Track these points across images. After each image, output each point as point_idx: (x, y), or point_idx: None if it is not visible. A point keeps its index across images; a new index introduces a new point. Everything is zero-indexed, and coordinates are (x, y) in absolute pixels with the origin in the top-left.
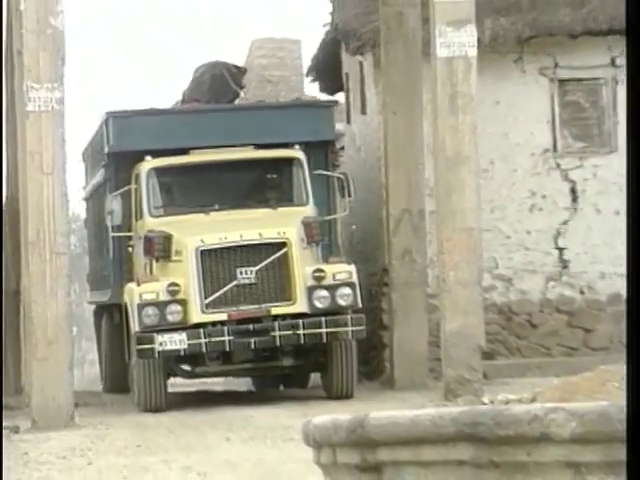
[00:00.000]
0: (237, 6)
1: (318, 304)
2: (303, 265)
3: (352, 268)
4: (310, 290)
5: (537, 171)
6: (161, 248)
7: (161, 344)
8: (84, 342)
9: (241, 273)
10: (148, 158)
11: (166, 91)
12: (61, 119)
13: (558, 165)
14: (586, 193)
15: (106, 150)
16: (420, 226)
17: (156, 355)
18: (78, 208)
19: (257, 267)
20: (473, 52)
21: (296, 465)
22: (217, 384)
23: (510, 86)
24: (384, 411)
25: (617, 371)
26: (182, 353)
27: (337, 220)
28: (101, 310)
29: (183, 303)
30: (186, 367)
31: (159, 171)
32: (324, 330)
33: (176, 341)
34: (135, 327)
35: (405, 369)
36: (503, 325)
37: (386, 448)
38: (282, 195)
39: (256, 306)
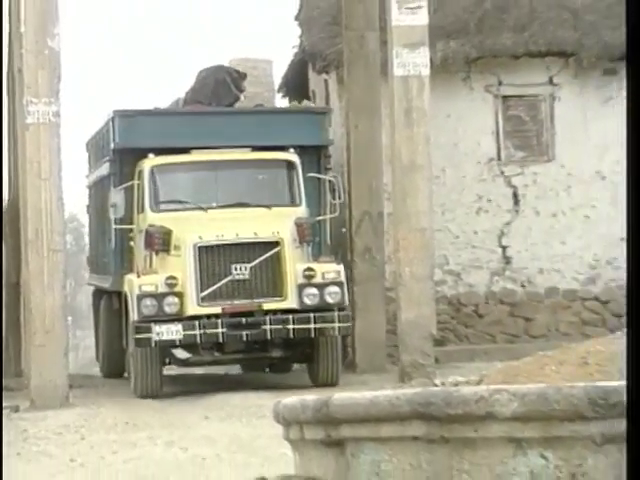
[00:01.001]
0: (236, 8)
1: (307, 301)
2: (294, 263)
3: (340, 268)
4: (300, 287)
5: (483, 178)
6: (161, 242)
7: (158, 334)
8: (78, 331)
9: (236, 269)
10: (151, 156)
11: (166, 93)
12: (57, 130)
13: (502, 172)
14: (526, 197)
15: (112, 146)
16: (379, 226)
17: (153, 344)
18: (74, 209)
19: (251, 264)
20: (426, 71)
21: (268, 440)
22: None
23: (459, 102)
24: (346, 393)
25: (555, 356)
26: (178, 343)
27: (327, 221)
28: (100, 293)
29: (180, 296)
30: (181, 356)
31: (161, 168)
32: (312, 326)
33: (172, 331)
34: (134, 317)
35: (366, 355)
36: (453, 315)
37: (348, 426)
38: (276, 196)
39: (249, 301)
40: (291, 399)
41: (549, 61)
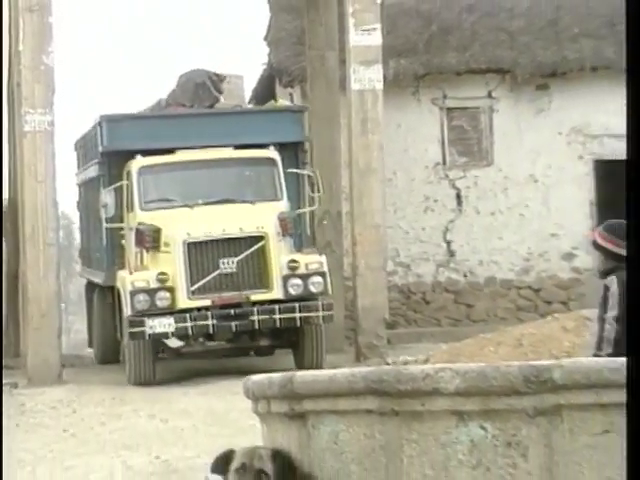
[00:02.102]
0: (235, 9)
1: (292, 291)
2: (279, 256)
3: (323, 259)
4: (285, 279)
5: (430, 180)
6: (151, 240)
7: (151, 327)
8: (70, 316)
9: (223, 263)
10: (138, 157)
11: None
12: (51, 137)
13: (446, 175)
14: (468, 198)
15: (100, 150)
16: (338, 224)
17: (146, 337)
18: (67, 209)
19: (238, 258)
20: (380, 86)
21: (239, 413)
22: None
23: (409, 113)
24: (309, 371)
25: (493, 338)
26: (170, 336)
27: (307, 214)
28: (92, 285)
29: (171, 290)
30: (173, 345)
31: (148, 169)
32: (298, 315)
33: (165, 324)
34: (127, 311)
35: (326, 337)
36: (403, 302)
37: (309, 400)
38: (259, 191)
39: (237, 293)
40: (259, 376)
41: (488, 77)
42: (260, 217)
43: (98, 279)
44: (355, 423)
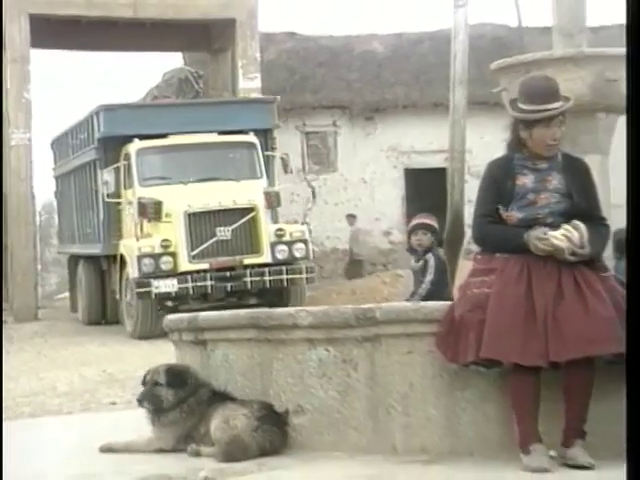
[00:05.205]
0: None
1: (279, 256)
2: (267, 225)
3: (305, 228)
4: (273, 245)
5: (294, 181)
6: (153, 211)
7: (157, 287)
8: (44, 274)
9: (220, 231)
10: (136, 140)
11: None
12: (30, 149)
13: (305, 178)
14: (320, 194)
15: (97, 136)
16: None
17: (153, 297)
18: (43, 198)
19: (232, 227)
20: None
21: (165, 356)
22: None
23: (280, 135)
24: (209, 312)
25: (336, 289)
26: (173, 295)
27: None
28: (76, 259)
29: (173, 255)
30: (172, 305)
31: (145, 150)
32: (285, 277)
33: (168, 285)
34: (134, 274)
35: None
36: None
37: (208, 332)
38: (242, 170)
39: (231, 257)
40: (174, 315)
41: (333, 111)
42: (249, 192)
43: (93, 250)
44: (240, 347)
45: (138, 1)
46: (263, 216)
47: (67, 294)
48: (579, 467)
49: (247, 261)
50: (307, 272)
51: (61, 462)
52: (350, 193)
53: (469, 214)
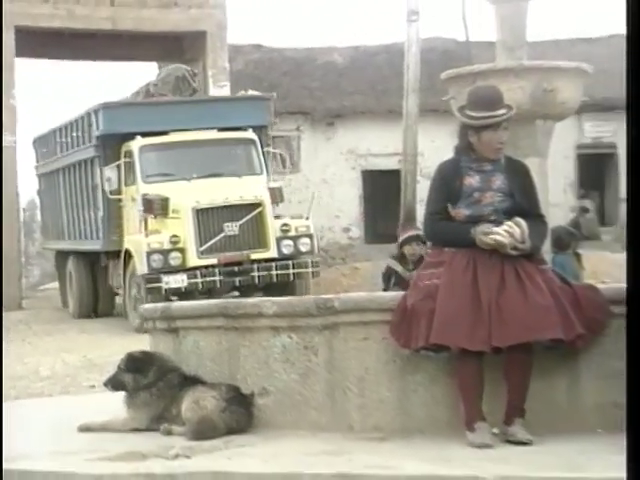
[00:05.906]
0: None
1: (285, 251)
2: (273, 220)
3: (310, 223)
4: (279, 240)
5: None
6: (159, 207)
7: (167, 283)
8: (28, 267)
9: (227, 227)
10: (138, 137)
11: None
12: (15, 151)
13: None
14: (287, 191)
15: (97, 133)
16: None
17: (163, 292)
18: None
19: (240, 222)
20: None
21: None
22: None
23: None
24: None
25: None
26: (183, 290)
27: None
28: (64, 255)
29: (182, 250)
30: (179, 300)
31: (148, 147)
32: (291, 271)
33: (178, 280)
34: (143, 270)
35: None
36: None
37: (180, 320)
38: (243, 167)
39: (239, 252)
40: (148, 305)
41: (297, 117)
42: (254, 188)
43: (89, 246)
44: (209, 335)
45: (117, 14)
46: (269, 211)
47: (49, 285)
48: (519, 443)
49: (254, 256)
50: (313, 266)
51: (42, 441)
52: (312, 191)
53: (421, 212)
